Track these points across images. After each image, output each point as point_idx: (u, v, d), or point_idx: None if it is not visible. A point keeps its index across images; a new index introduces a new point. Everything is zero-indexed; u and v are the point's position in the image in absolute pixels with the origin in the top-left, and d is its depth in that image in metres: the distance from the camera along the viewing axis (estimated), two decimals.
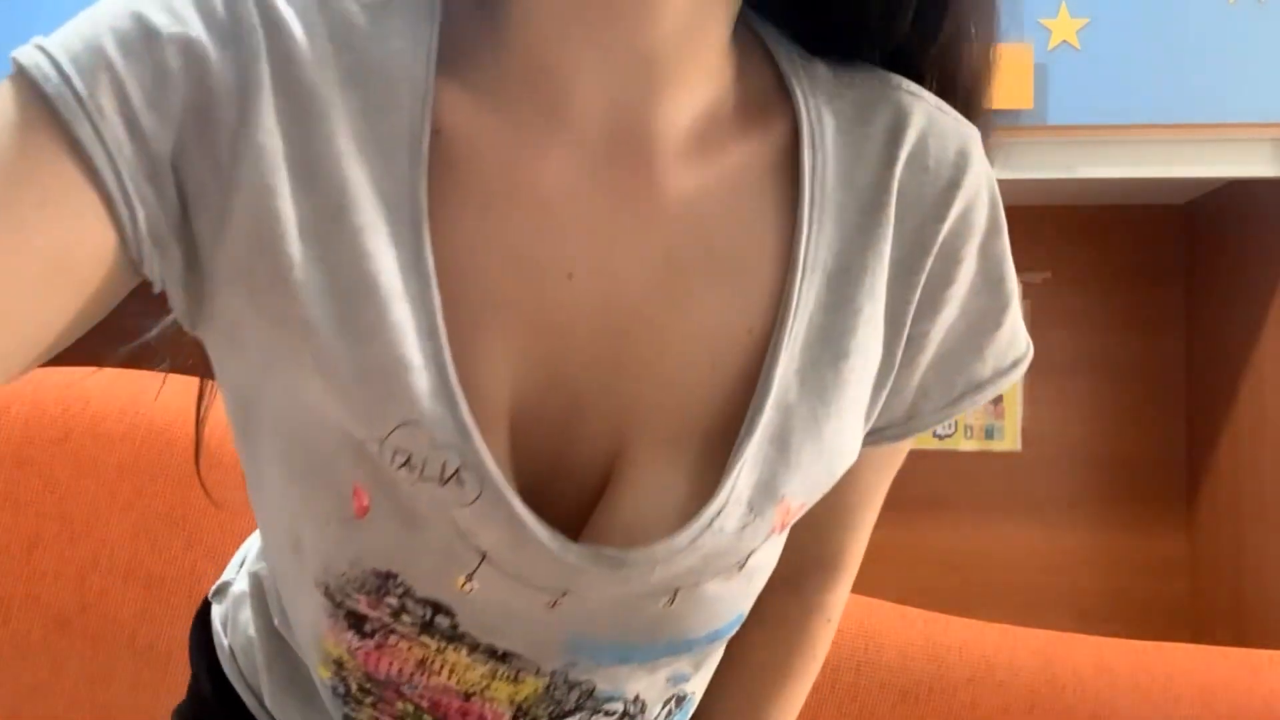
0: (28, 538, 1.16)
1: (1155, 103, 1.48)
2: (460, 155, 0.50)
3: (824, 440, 0.53)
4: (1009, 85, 1.45)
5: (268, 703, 0.66)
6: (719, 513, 0.51)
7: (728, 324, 0.53)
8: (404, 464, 0.48)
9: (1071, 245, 1.94)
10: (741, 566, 0.55)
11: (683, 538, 0.51)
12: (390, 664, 0.55)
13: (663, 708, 0.60)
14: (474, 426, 0.48)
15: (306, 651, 0.59)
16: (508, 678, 0.56)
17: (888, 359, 0.56)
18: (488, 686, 0.56)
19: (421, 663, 0.55)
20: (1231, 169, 1.53)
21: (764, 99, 0.55)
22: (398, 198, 0.49)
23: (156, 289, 0.49)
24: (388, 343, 0.47)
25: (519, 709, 0.57)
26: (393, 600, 0.53)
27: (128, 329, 0.62)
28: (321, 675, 0.58)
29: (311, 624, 0.57)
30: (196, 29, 0.47)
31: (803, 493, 0.54)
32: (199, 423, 0.65)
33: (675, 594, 0.54)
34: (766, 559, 0.58)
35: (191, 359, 0.56)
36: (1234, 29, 1.46)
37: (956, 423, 1.89)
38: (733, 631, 0.60)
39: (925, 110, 0.56)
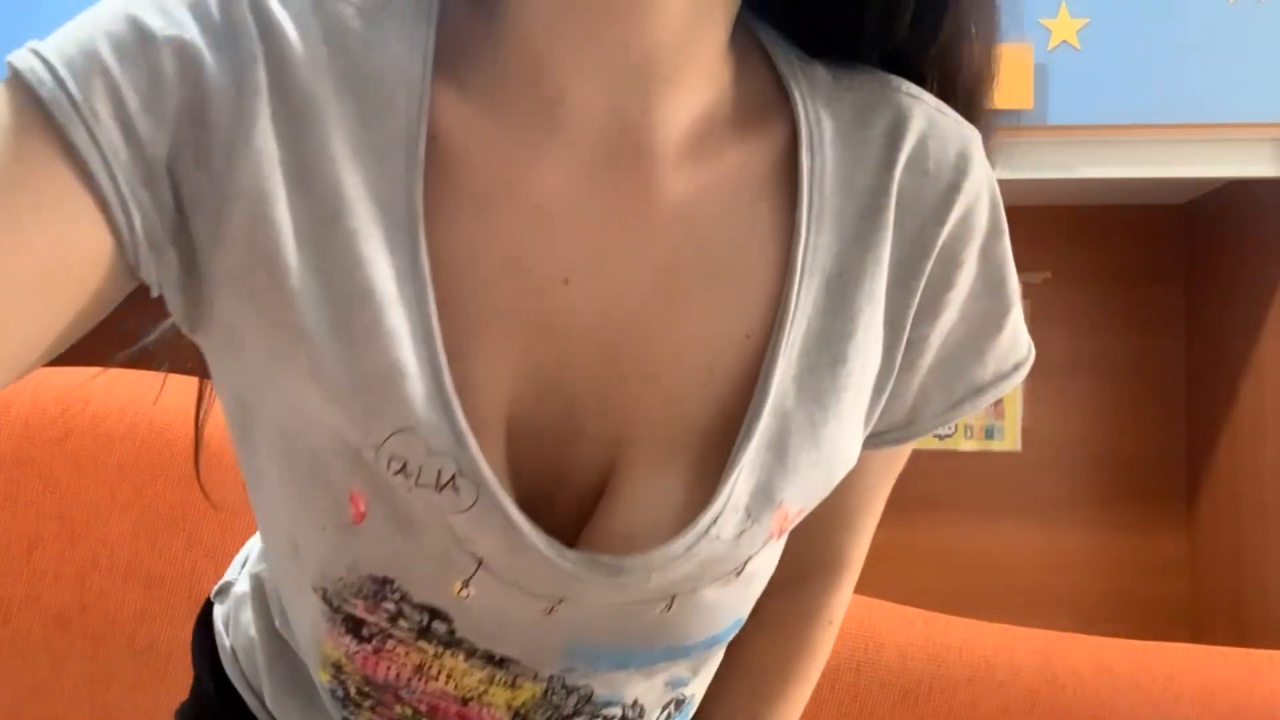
0: (28, 538, 1.16)
1: (1155, 103, 1.48)
2: (456, 159, 0.50)
3: (822, 446, 0.53)
4: (1009, 85, 1.45)
5: (269, 703, 0.66)
6: (716, 519, 0.51)
7: (725, 329, 0.53)
8: (400, 470, 0.48)
9: (1071, 245, 1.94)
10: (739, 573, 0.55)
11: (679, 545, 0.51)
12: (388, 668, 0.55)
13: (661, 712, 0.60)
14: (469, 433, 0.48)
15: (306, 654, 0.59)
16: (505, 683, 0.55)
17: (887, 363, 0.56)
18: (485, 691, 0.56)
19: (419, 667, 0.55)
20: (1231, 169, 1.53)
21: (762, 102, 0.55)
22: (393, 202, 0.49)
23: (154, 292, 0.49)
24: (383, 349, 0.47)
25: (517, 714, 0.56)
26: (390, 605, 0.53)
27: (128, 331, 0.62)
28: (321, 678, 0.58)
29: (310, 627, 0.57)
30: (191, 32, 0.46)
31: (801, 499, 0.54)
32: (198, 427, 0.65)
33: (672, 600, 0.54)
34: (765, 565, 0.58)
35: (191, 361, 0.56)
36: (1234, 29, 1.46)
37: (956, 423, 1.89)
38: (731, 635, 0.60)
39: (925, 112, 0.56)
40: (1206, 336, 1.90)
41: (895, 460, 0.64)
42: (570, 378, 0.52)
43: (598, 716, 0.58)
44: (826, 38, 0.57)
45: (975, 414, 0.62)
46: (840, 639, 0.71)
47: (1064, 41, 1.48)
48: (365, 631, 0.54)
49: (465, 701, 0.56)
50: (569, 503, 0.53)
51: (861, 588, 0.71)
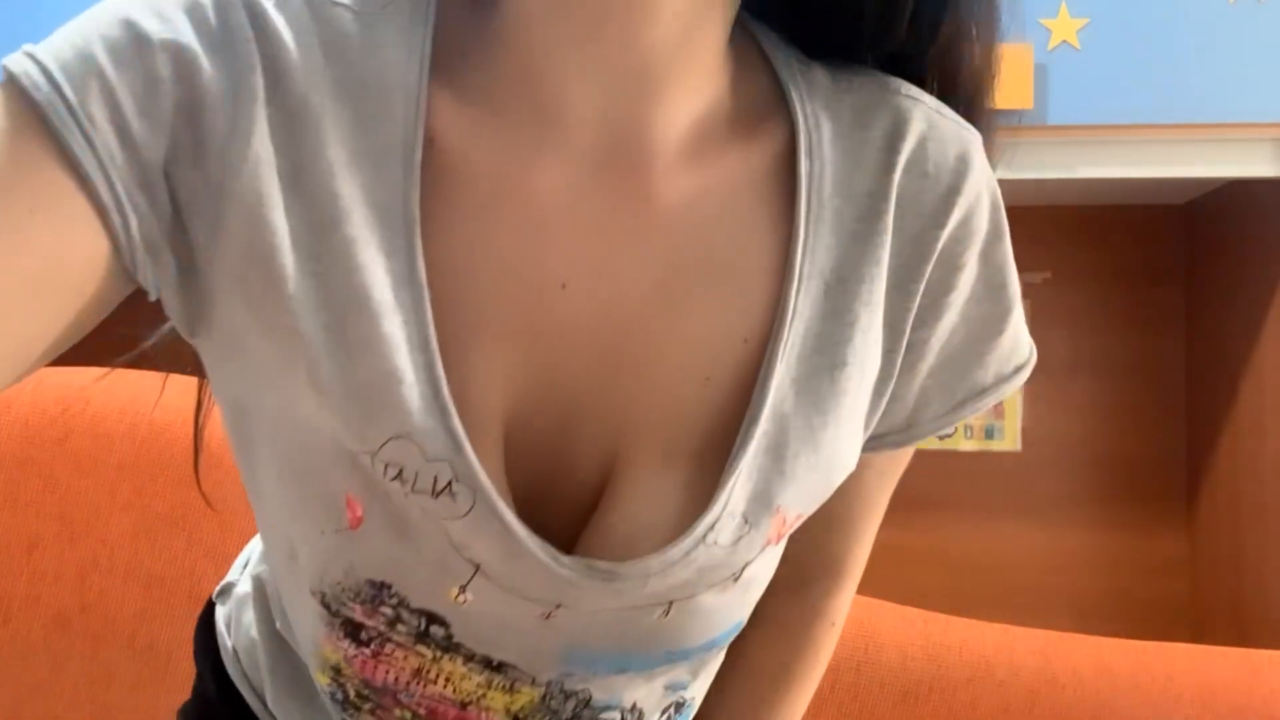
0: (28, 538, 1.16)
1: (1155, 103, 1.47)
2: (453, 164, 0.50)
3: (821, 450, 0.53)
4: (1009, 85, 1.44)
5: (270, 704, 0.66)
6: (713, 525, 0.51)
7: (723, 333, 0.53)
8: (396, 476, 0.48)
9: (1071, 245, 1.94)
10: (737, 578, 0.55)
11: (676, 551, 0.51)
12: (387, 672, 0.55)
13: (661, 715, 0.60)
14: (466, 439, 0.48)
15: (306, 656, 0.59)
16: (503, 688, 0.55)
17: (887, 366, 0.56)
18: (484, 696, 0.56)
19: (418, 671, 0.55)
20: (1231, 169, 1.53)
21: (761, 105, 0.55)
22: (390, 208, 0.48)
23: (152, 296, 0.49)
24: (379, 356, 0.47)
25: (515, 718, 0.56)
26: (387, 610, 0.53)
27: (127, 336, 0.62)
28: (320, 681, 0.58)
29: (309, 630, 0.57)
30: (188, 36, 0.46)
31: (799, 504, 0.54)
32: (197, 431, 0.65)
33: (670, 606, 0.54)
34: (763, 570, 0.58)
35: (191, 362, 0.56)
36: (1234, 29, 1.46)
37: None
38: (731, 638, 0.60)
39: (925, 114, 0.55)
40: (1206, 336, 1.90)
41: (896, 463, 0.64)
42: (568, 382, 0.52)
43: None
44: (825, 39, 0.57)
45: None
46: (840, 639, 0.71)
47: (1064, 41, 1.48)
48: (364, 635, 0.54)
49: (464, 705, 0.56)
50: (567, 507, 0.53)
51: (861, 588, 0.71)
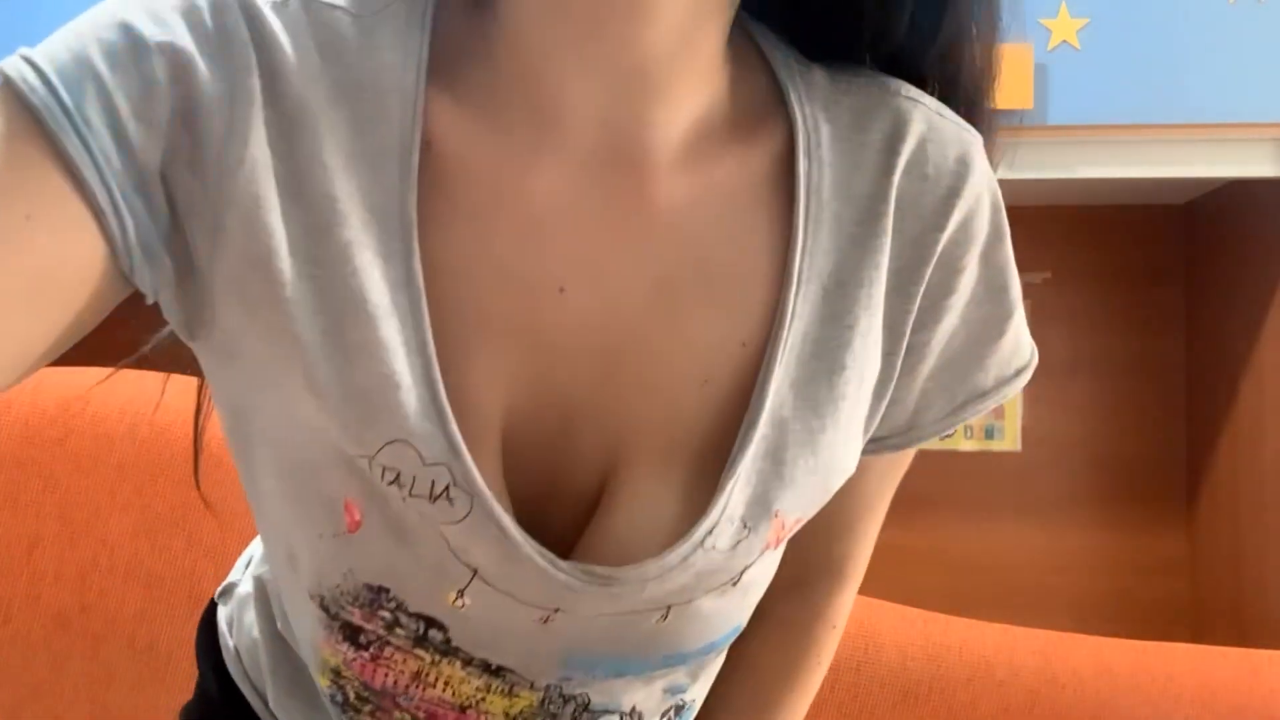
0: (28, 538, 1.16)
1: (1155, 103, 1.47)
2: (451, 168, 0.50)
3: (819, 454, 0.53)
4: (1009, 85, 1.43)
5: (272, 705, 0.66)
6: (711, 530, 0.51)
7: (721, 337, 0.52)
8: (393, 481, 0.48)
9: (1071, 245, 1.94)
10: (736, 582, 0.55)
11: (674, 556, 0.51)
12: (386, 675, 0.55)
13: (661, 717, 0.60)
14: (463, 444, 0.48)
15: (306, 658, 0.59)
16: (502, 691, 0.55)
17: (887, 368, 0.56)
18: (483, 699, 0.55)
19: (417, 675, 0.55)
20: (1231, 169, 1.53)
21: (759, 107, 0.54)
22: (387, 212, 0.48)
23: (149, 299, 0.48)
24: (376, 360, 0.47)
25: None
26: (386, 614, 0.53)
27: (126, 338, 0.62)
28: (321, 683, 0.58)
29: (309, 633, 0.57)
30: (184, 39, 0.46)
31: (798, 508, 0.54)
32: (197, 434, 0.65)
33: (668, 610, 0.54)
34: (762, 573, 0.58)
35: (190, 366, 0.56)
36: (1234, 29, 1.46)
37: None
38: (730, 641, 0.60)
39: (925, 116, 0.55)
40: (1206, 336, 1.90)
41: (897, 465, 0.64)
42: (565, 386, 0.51)
43: None
44: (825, 39, 0.56)
45: None
46: (840, 639, 0.71)
47: (1064, 41, 1.48)
48: (362, 639, 0.54)
49: (463, 709, 0.56)
50: (565, 512, 0.53)
51: (862, 588, 0.71)
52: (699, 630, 0.56)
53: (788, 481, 0.52)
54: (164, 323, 0.51)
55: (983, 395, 0.59)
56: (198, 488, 0.68)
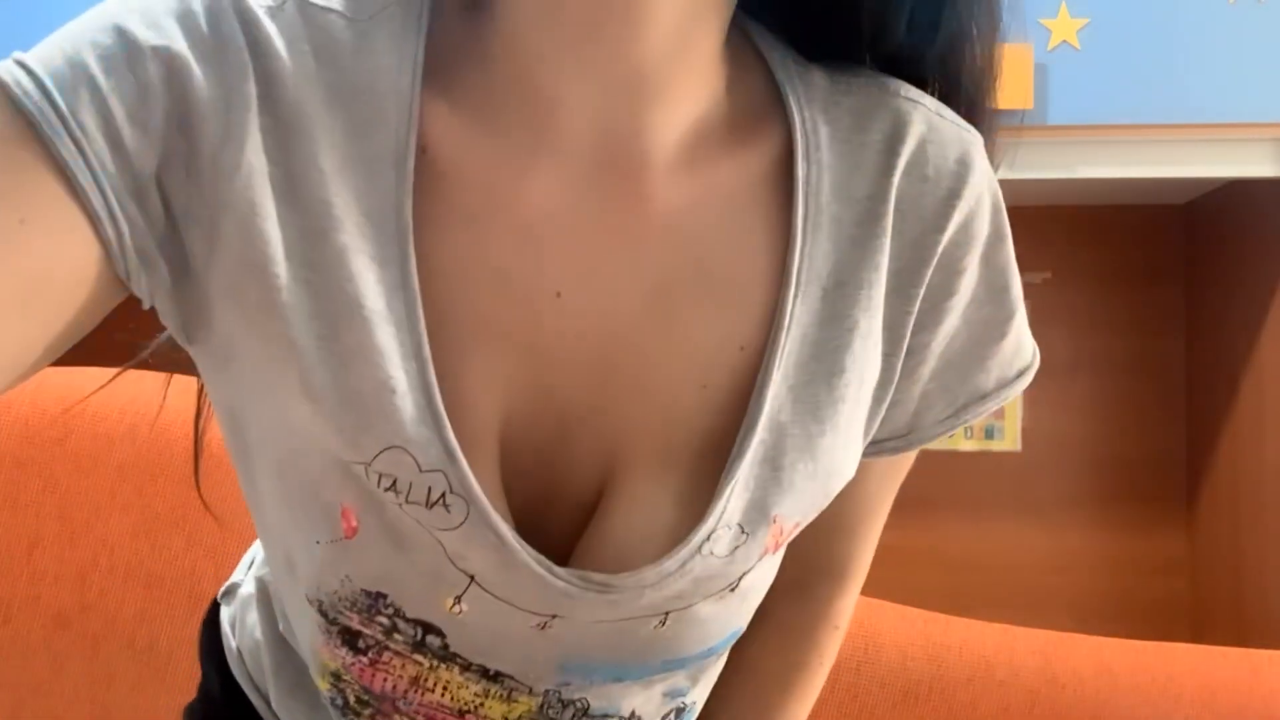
0: (28, 538, 1.16)
1: (1155, 103, 1.48)
2: (447, 172, 0.50)
3: (819, 458, 0.53)
4: (1009, 85, 1.44)
5: (275, 705, 0.65)
6: (709, 536, 0.51)
7: (719, 341, 0.52)
8: (390, 487, 0.48)
9: (1071, 245, 1.94)
10: (734, 588, 0.54)
11: (672, 562, 0.50)
12: (385, 680, 0.55)
13: None
14: (460, 450, 0.48)
15: (307, 661, 0.59)
16: (501, 697, 0.55)
17: (887, 371, 0.55)
18: (481, 704, 0.55)
19: (415, 680, 0.55)
20: (1231, 169, 1.53)
21: (757, 109, 0.54)
22: (383, 217, 0.48)
23: (146, 304, 0.48)
24: (372, 365, 0.47)
25: None
26: (384, 620, 0.53)
27: (126, 342, 0.62)
28: (321, 686, 0.58)
29: (308, 637, 0.57)
30: (179, 43, 0.46)
31: (797, 513, 0.53)
32: (197, 438, 0.65)
33: (666, 616, 0.53)
34: (761, 579, 0.57)
35: (191, 366, 0.56)
36: (1234, 29, 1.46)
37: None
38: (729, 645, 0.60)
39: (924, 116, 0.55)
40: (1206, 336, 1.90)
41: (898, 467, 0.63)
42: (563, 391, 0.51)
43: None
44: (823, 39, 0.56)
45: None
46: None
47: (1064, 41, 1.48)
48: (361, 643, 0.54)
49: (462, 714, 0.56)
50: (562, 518, 0.53)
51: (862, 588, 0.71)
52: (697, 635, 0.56)
53: (786, 486, 0.52)
54: (163, 326, 0.51)
55: (984, 397, 0.59)
56: (199, 491, 0.68)
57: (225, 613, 0.71)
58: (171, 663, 1.14)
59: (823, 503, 0.55)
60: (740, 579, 0.54)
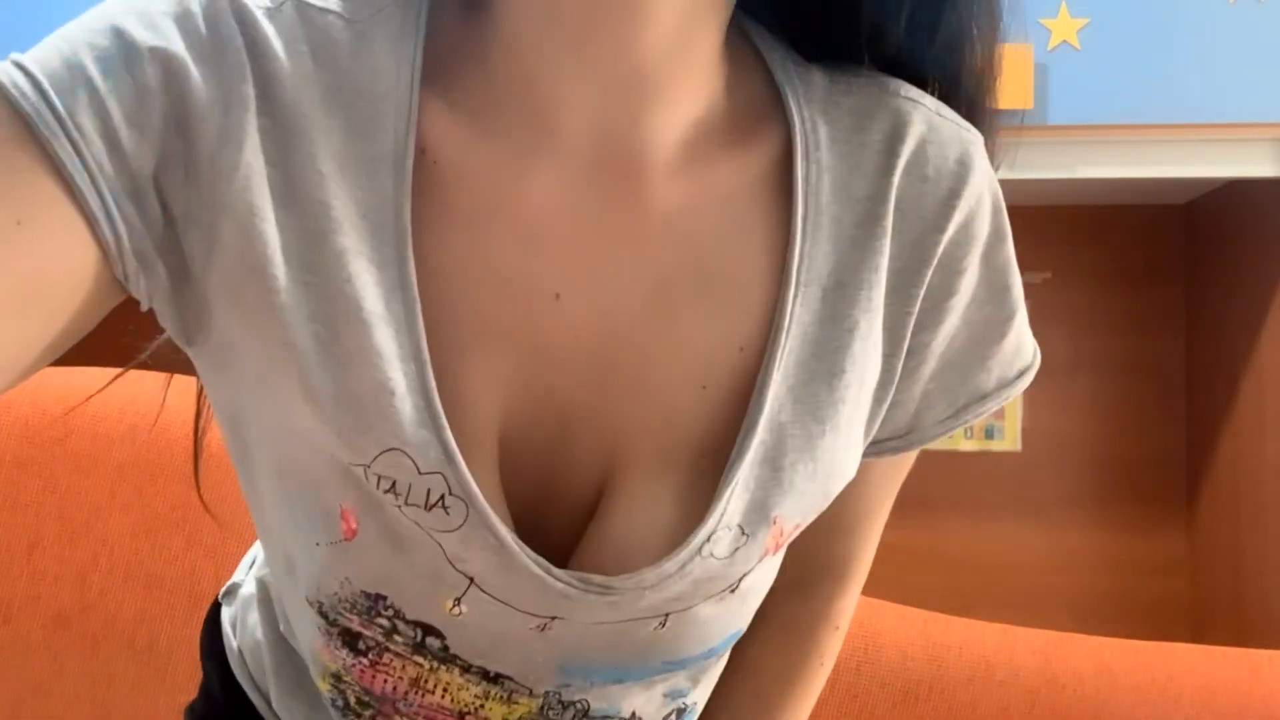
0: (28, 538, 1.16)
1: (1155, 103, 1.48)
2: (445, 174, 0.49)
3: (819, 459, 0.52)
4: (1009, 85, 1.44)
5: (275, 706, 0.65)
6: (709, 537, 0.51)
7: (718, 342, 0.52)
8: (389, 489, 0.48)
9: (1071, 245, 1.94)
10: (734, 589, 0.54)
11: (671, 564, 0.50)
12: (385, 681, 0.55)
13: None
14: (459, 452, 0.48)
15: (307, 662, 0.59)
16: (501, 698, 0.55)
17: (888, 371, 0.55)
18: (482, 706, 0.55)
19: (415, 681, 0.55)
20: (1231, 169, 1.53)
21: (757, 109, 0.54)
22: (381, 218, 0.48)
23: (144, 306, 0.48)
24: (371, 366, 0.47)
25: None
26: (384, 621, 0.53)
27: (127, 344, 0.62)
28: (321, 687, 0.58)
29: (308, 638, 0.57)
30: (178, 45, 0.46)
31: (797, 513, 0.53)
32: (197, 440, 0.65)
33: (666, 618, 0.53)
34: (761, 580, 0.57)
35: (190, 367, 0.56)
36: (1234, 29, 1.47)
37: None
38: (730, 646, 0.60)
39: (924, 116, 0.54)
40: (1206, 336, 1.90)
41: (899, 468, 0.63)
42: (562, 393, 0.51)
43: None
44: (823, 39, 0.56)
45: None
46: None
47: (1064, 41, 1.48)
48: (361, 645, 0.54)
49: (462, 715, 0.56)
50: (562, 519, 0.53)
51: (862, 588, 0.71)
52: (698, 637, 0.56)
53: (786, 487, 0.52)
54: (163, 327, 0.51)
55: (984, 397, 0.59)
56: (199, 493, 0.68)
57: (226, 613, 0.71)
58: (171, 663, 1.14)
59: (823, 503, 0.55)
60: (740, 580, 0.54)
